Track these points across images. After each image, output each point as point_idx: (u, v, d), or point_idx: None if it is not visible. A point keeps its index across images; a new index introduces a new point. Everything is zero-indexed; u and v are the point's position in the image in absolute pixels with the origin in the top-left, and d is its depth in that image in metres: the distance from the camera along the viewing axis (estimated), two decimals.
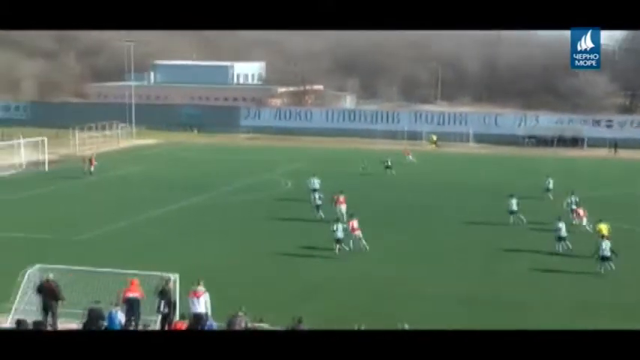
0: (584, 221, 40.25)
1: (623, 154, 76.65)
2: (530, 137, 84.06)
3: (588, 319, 26.57)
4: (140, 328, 23.04)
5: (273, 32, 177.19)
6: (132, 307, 23.73)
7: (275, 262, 34.39)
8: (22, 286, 24.79)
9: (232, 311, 22.59)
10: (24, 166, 60.67)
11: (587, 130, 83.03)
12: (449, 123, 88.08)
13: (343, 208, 41.80)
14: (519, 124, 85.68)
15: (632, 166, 68.76)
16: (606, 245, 32.85)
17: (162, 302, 24.06)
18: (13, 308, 24.45)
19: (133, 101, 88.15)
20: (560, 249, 36.08)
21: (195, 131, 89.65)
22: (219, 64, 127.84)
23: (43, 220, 42.80)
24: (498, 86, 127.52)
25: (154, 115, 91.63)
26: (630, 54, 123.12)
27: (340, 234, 34.79)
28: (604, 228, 35.83)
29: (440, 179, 58.80)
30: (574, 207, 42.11)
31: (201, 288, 24.05)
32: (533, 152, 78.00)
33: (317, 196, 44.16)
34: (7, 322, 24.10)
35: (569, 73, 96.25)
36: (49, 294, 24.21)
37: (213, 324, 23.03)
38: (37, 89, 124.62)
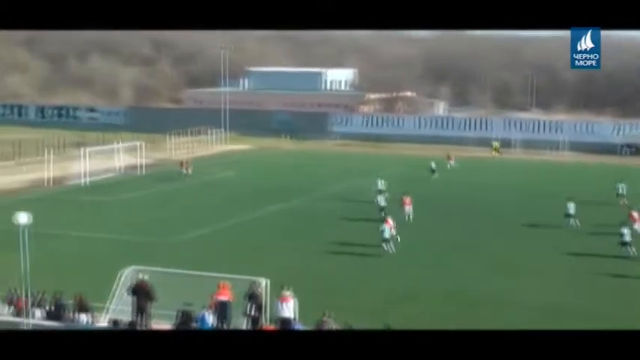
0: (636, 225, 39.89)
1: None
2: (627, 146, 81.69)
3: None
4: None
5: (367, 39, 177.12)
6: (222, 310, 24.02)
7: (364, 267, 34.35)
8: (117, 286, 25.40)
9: (320, 316, 22.64)
10: (121, 170, 62.30)
11: None
12: (543, 130, 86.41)
13: (408, 209, 43.74)
14: (616, 133, 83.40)
15: None
16: None
17: (251, 306, 24.26)
18: (108, 308, 25.07)
19: (227, 107, 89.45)
20: (628, 253, 36.16)
21: (287, 137, 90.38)
22: (311, 70, 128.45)
23: (138, 222, 43.83)
24: (595, 93, 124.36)
25: (246, 121, 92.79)
26: None
27: (387, 234, 36.55)
28: None
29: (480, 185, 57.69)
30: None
31: (289, 293, 24.18)
32: (630, 161, 75.72)
33: (382, 197, 46.15)
34: (103, 322, 24.74)
35: None
36: (142, 295, 24.68)
37: (301, 329, 23.12)
38: (134, 95, 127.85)
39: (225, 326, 23.66)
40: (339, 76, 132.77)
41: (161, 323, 24.16)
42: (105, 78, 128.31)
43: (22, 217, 21.52)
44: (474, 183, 60.01)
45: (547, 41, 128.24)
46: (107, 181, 58.49)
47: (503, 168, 70.54)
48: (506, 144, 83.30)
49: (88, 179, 56.54)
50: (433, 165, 62.29)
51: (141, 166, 63.10)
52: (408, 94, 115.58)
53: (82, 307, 24.80)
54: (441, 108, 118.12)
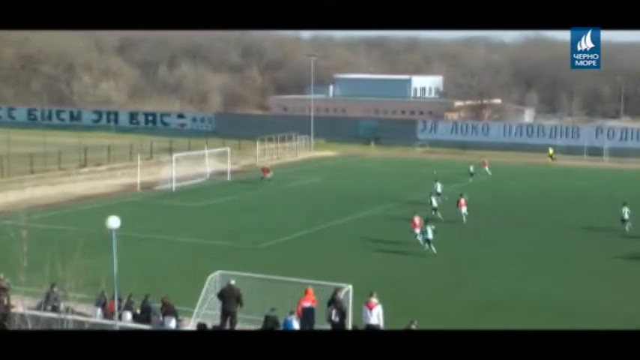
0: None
1: None
2: None
3: None
4: None
5: (453, 46, 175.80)
6: (306, 315, 24.02)
7: (451, 275, 33.90)
8: (204, 290, 25.66)
9: (406, 324, 22.40)
10: (208, 176, 63.16)
11: None
12: (632, 139, 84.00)
13: (464, 209, 45.64)
14: None
15: None
16: None
17: (334, 312, 24.19)
18: (195, 312, 25.35)
19: (313, 114, 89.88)
20: None
21: (372, 144, 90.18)
22: (398, 77, 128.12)
23: (225, 227, 44.29)
24: None
25: (332, 128, 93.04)
26: None
27: (430, 235, 37.53)
28: None
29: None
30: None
31: (374, 300, 24.02)
32: None
33: (436, 199, 47.78)
34: (190, 325, 25.04)
35: None
36: (230, 299, 24.87)
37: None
38: (222, 101, 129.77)
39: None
40: (425, 83, 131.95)
41: (246, 328, 24.28)
42: (194, 84, 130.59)
43: (113, 222, 21.94)
44: (563, 191, 58.73)
45: (637, 48, 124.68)
46: (195, 186, 59.36)
47: (592, 176, 68.81)
48: (596, 152, 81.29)
49: (176, 184, 57.50)
50: (472, 169, 64.57)
51: (227, 172, 63.78)
52: (495, 101, 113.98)
53: (169, 311, 25.15)
54: (528, 115, 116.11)
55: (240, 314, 25.14)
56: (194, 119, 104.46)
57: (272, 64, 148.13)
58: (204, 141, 76.52)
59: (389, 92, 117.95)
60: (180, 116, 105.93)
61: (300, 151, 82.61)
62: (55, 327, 18.77)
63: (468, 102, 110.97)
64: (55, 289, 23.40)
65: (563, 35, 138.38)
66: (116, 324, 23.56)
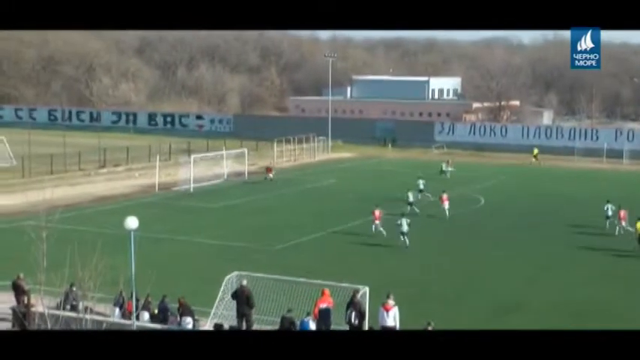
0: (624, 223, 43.05)
1: None
2: None
3: None
4: None
5: (471, 47, 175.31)
6: (323, 316, 24.14)
7: (466, 278, 33.92)
8: (221, 291, 25.83)
9: (422, 326, 22.48)
10: (226, 177, 63.39)
11: None
12: None
13: (446, 204, 47.68)
14: None
15: None
16: None
17: (353, 314, 24.27)
18: (212, 312, 25.52)
19: (330, 115, 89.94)
20: None
21: (389, 145, 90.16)
22: (416, 79, 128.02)
23: (242, 228, 44.50)
24: None
25: (349, 129, 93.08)
26: None
27: (405, 228, 38.94)
28: None
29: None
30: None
31: (391, 302, 24.11)
32: None
33: (414, 194, 49.53)
34: (207, 325, 25.22)
35: None
36: (242, 300, 25.03)
37: None
38: (240, 103, 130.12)
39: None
40: (443, 85, 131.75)
41: (263, 329, 24.43)
42: (212, 86, 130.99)
43: (132, 222, 22.16)
44: (577, 194, 58.52)
45: None
46: (213, 187, 59.62)
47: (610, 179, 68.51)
48: (616, 154, 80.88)
49: (194, 185, 57.77)
50: (444, 166, 66.33)
51: (245, 173, 63.96)
52: (514, 102, 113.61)
53: (186, 311, 25.33)
54: (547, 117, 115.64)
55: (256, 315, 25.28)
56: (212, 120, 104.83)
57: (290, 65, 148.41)
58: (222, 142, 76.79)
59: (407, 94, 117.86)
60: (199, 117, 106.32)
61: (318, 152, 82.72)
62: (74, 326, 18.98)
63: (486, 104, 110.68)
64: (74, 289, 23.65)
65: None
66: (134, 324, 23.77)
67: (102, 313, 23.84)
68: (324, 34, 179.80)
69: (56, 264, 18.46)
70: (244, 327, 24.91)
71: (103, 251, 19.33)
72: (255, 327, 24.98)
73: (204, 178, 60.79)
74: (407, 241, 39.04)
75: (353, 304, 24.45)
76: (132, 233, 22.26)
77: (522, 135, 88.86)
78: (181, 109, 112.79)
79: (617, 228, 43.29)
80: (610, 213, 44.35)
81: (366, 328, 24.19)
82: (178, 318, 25.33)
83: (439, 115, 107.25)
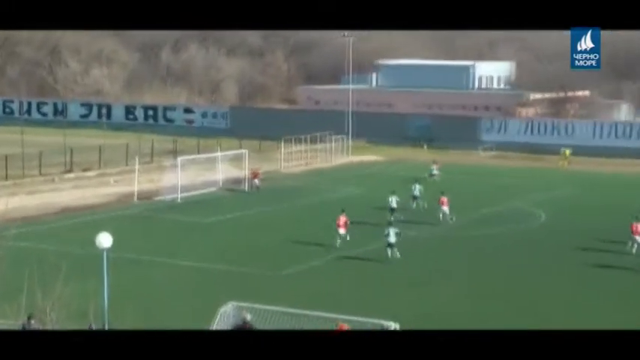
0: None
1: None
2: None
3: None
4: None
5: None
6: None
7: (515, 310, 33.81)
8: (213, 326, 25.83)
9: None
10: (221, 184, 63.45)
11: None
12: None
13: (445, 208, 51.38)
14: None
15: None
16: None
17: None
18: None
19: (351, 108, 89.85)
20: None
21: (425, 146, 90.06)
22: (457, 64, 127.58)
23: (240, 248, 44.51)
24: None
25: (375, 126, 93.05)
26: None
27: (392, 239, 41.14)
28: None
29: None
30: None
31: None
32: None
33: (394, 198, 52.18)
34: None
35: None
36: None
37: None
38: (238, 93, 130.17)
39: None
40: (491, 71, 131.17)
41: None
42: (204, 72, 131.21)
43: (104, 240, 22.24)
44: None
45: None
46: (205, 197, 59.73)
47: None
48: None
49: (182, 195, 57.90)
50: (434, 169, 69.33)
51: (244, 181, 64.03)
52: (582, 93, 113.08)
53: None
54: (626, 112, 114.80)
55: None
56: (204, 114, 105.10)
57: (300, 48, 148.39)
58: (217, 141, 76.93)
59: (446, 82, 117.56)
60: (188, 111, 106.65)
61: (335, 154, 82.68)
62: None
63: (547, 94, 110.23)
64: (33, 322, 23.68)
65: None
66: None
67: None
68: None
69: (11, 291, 18.53)
70: None
71: (69, 275, 19.39)
72: None
73: (193, 186, 60.91)
74: (397, 253, 41.25)
75: None
76: (104, 253, 22.33)
77: (594, 134, 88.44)
78: (166, 101, 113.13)
79: None
80: None
81: None
82: None
83: (487, 108, 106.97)
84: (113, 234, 22.76)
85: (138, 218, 52.32)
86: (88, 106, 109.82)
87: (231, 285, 36.23)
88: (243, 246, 45.19)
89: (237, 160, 67.35)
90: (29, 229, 46.41)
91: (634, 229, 43.88)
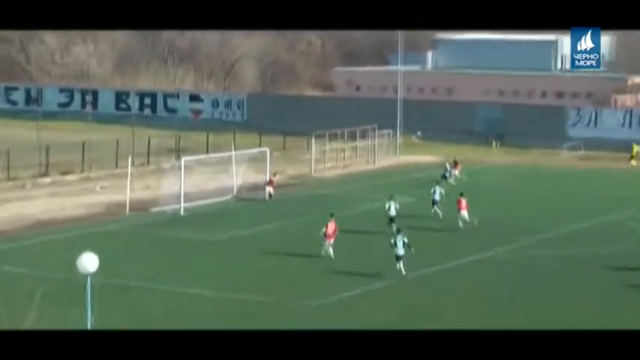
0: None
1: None
2: None
3: None
4: None
5: None
6: None
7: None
8: None
9: None
10: (236, 192, 63.47)
11: None
12: None
13: (464, 212, 54.10)
14: None
15: None
16: None
17: None
18: None
19: (401, 96, 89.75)
20: None
21: (494, 144, 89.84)
22: (537, 38, 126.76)
23: (260, 273, 44.67)
24: None
25: (431, 118, 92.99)
26: None
27: (401, 251, 42.89)
28: None
29: None
30: None
31: None
32: None
33: (394, 206, 54.26)
34: None
35: None
36: None
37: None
38: (259, 76, 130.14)
39: None
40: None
41: None
42: (216, 50, 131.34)
43: (88, 262, 22.44)
44: None
45: None
46: (215, 208, 59.95)
47: None
48: None
49: (185, 205, 58.08)
50: (448, 167, 71.91)
51: (265, 186, 64.04)
52: None
53: None
54: None
55: None
56: (215, 103, 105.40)
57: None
58: (231, 137, 77.09)
59: (522, 62, 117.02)
60: (195, 98, 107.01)
61: (380, 154, 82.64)
62: None
63: None
64: None
65: None
66: None
67: None
68: None
69: None
70: None
71: (44, 306, 19.60)
72: None
73: (201, 195, 61.14)
74: (402, 268, 42.83)
75: None
76: (89, 279, 22.54)
77: None
78: (167, 86, 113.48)
79: None
80: None
81: None
82: None
83: (574, 96, 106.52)
84: (99, 255, 22.96)
85: (130, 235, 52.54)
86: (69, 93, 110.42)
87: (249, 317, 36.31)
88: (264, 270, 45.26)
89: (256, 161, 67.49)
90: None
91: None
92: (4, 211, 57.29)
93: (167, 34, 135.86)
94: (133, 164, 63.69)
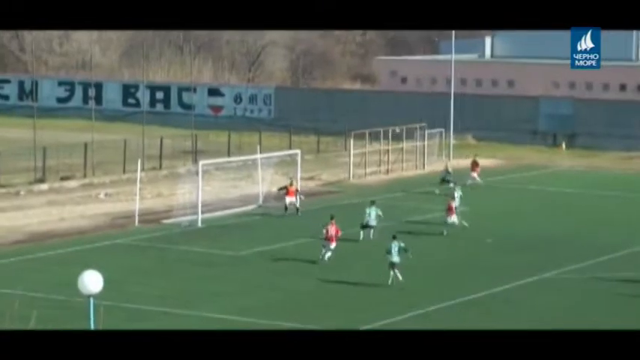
0: None
1: None
2: None
3: None
4: None
5: None
6: None
7: None
8: None
9: None
10: (261, 201, 63.48)
11: None
12: None
13: (452, 218, 56.87)
14: None
15: None
16: None
17: None
18: None
19: (454, 89, 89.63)
20: None
21: (563, 145, 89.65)
22: None
23: (289, 294, 44.99)
24: None
25: (489, 115, 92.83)
26: None
27: (395, 258, 45.46)
28: None
29: None
30: None
31: None
32: None
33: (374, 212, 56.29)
34: None
35: None
36: None
37: None
38: (289, 67, 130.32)
39: None
40: None
41: None
42: (239, 37, 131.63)
43: (91, 281, 22.51)
44: None
45: None
46: (238, 219, 60.12)
47: None
48: None
49: (204, 216, 58.20)
50: (449, 168, 73.28)
51: (297, 193, 63.99)
52: None
53: None
54: None
55: None
56: (238, 98, 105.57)
57: None
58: (256, 137, 77.23)
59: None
60: (214, 92, 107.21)
61: (430, 157, 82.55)
62: None
63: None
64: None
65: None
66: None
67: None
68: None
69: None
70: None
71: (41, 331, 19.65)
72: None
73: (222, 204, 61.34)
74: (399, 275, 44.92)
75: None
76: (91, 301, 22.63)
77: None
78: (182, 79, 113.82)
79: None
80: None
81: None
82: None
83: None
84: (104, 273, 23.05)
85: (140, 250, 52.72)
86: (69, 86, 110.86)
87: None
88: (296, 290, 45.53)
89: (285, 165, 67.60)
90: None
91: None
92: None
93: None
94: (142, 168, 63.83)
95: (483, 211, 63.89)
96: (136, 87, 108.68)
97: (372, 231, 55.09)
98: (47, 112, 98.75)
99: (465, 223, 57.21)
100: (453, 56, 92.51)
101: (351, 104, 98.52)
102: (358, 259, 51.31)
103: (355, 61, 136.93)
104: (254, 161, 65.66)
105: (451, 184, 67.30)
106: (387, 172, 78.46)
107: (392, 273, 44.90)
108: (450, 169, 72.09)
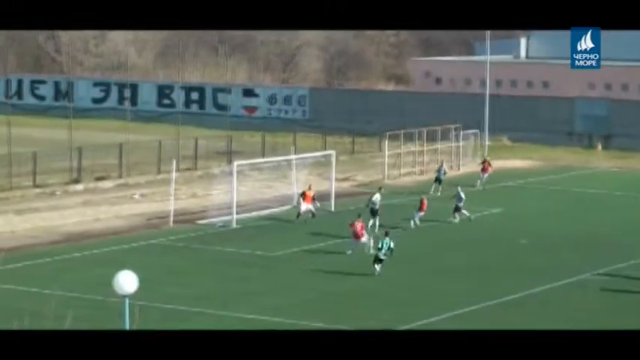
0: None
1: None
2: None
3: None
4: None
5: None
6: None
7: None
8: None
9: None
10: (295, 201, 63.32)
11: None
12: None
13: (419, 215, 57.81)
14: None
15: None
16: None
17: None
18: None
19: (489, 91, 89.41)
20: None
21: (599, 146, 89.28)
22: None
23: (326, 295, 44.82)
24: None
25: (524, 116, 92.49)
26: None
27: (383, 256, 47.42)
28: None
29: None
30: None
31: None
32: None
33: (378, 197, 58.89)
34: None
35: None
36: None
37: None
38: (323, 68, 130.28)
39: None
40: None
41: None
42: (274, 38, 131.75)
43: (126, 282, 22.41)
44: None
45: None
46: (273, 220, 60.11)
47: None
48: None
49: (238, 217, 58.15)
50: (444, 167, 72.77)
51: (329, 196, 63.83)
52: None
53: None
54: None
55: None
56: (272, 99, 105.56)
57: None
58: (291, 138, 77.12)
59: (634, 50, 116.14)
60: (249, 93, 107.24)
61: (465, 158, 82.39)
62: None
63: None
64: None
65: None
66: None
67: None
68: None
69: None
70: None
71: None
72: None
73: (256, 204, 61.34)
74: (378, 269, 47.32)
75: None
76: (127, 301, 22.53)
77: None
78: (217, 79, 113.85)
79: None
80: None
81: None
82: None
83: None
84: (139, 273, 22.93)
85: (174, 250, 52.73)
86: (104, 87, 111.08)
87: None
88: (332, 291, 45.50)
89: (320, 166, 67.46)
90: (16, 264, 47.00)
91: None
92: (29, 222, 57.62)
93: None
94: (177, 169, 63.77)
95: (518, 212, 63.70)
96: (171, 88, 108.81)
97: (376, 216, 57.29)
98: (82, 113, 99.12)
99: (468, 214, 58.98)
100: (488, 57, 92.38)
101: (386, 105, 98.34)
102: (393, 260, 51.18)
103: (389, 61, 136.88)
104: (288, 162, 65.64)
105: (478, 186, 67.68)
106: (422, 172, 78.26)
107: (376, 267, 47.09)
108: (444, 167, 72.31)
